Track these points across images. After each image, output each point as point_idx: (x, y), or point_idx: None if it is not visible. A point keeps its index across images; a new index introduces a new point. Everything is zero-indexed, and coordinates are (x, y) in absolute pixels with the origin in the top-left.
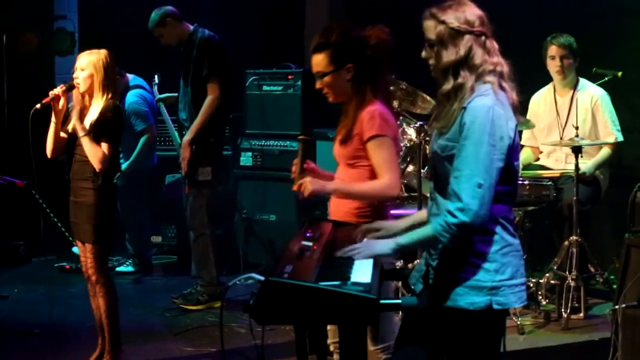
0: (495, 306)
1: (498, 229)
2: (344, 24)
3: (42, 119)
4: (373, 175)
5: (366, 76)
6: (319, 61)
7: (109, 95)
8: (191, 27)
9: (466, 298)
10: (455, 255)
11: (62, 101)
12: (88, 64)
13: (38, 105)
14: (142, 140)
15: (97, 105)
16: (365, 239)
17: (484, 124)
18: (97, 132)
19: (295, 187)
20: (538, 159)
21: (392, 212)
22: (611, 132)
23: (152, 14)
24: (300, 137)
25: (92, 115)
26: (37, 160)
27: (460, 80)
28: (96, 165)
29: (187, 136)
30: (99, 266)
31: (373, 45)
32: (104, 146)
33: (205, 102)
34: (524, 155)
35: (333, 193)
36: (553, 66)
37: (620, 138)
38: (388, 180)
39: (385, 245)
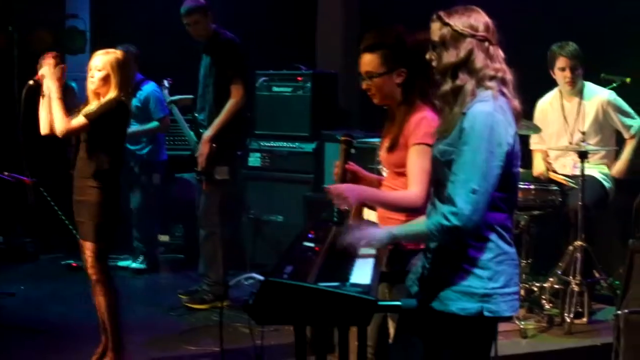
0: (486, 313)
1: (494, 236)
2: (399, 28)
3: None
4: None
5: (416, 83)
6: (370, 61)
7: (122, 95)
8: (213, 27)
9: (457, 303)
10: (449, 259)
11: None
12: (105, 64)
13: (31, 82)
14: (154, 124)
15: None
16: (361, 229)
17: (482, 130)
18: (94, 121)
19: (332, 191)
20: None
21: None
22: (628, 124)
23: (185, 4)
24: (342, 137)
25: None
26: (42, 157)
27: (458, 82)
28: (57, 128)
29: (208, 132)
30: (99, 265)
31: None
32: (81, 120)
33: (229, 102)
34: (537, 161)
35: (367, 202)
36: (562, 77)
37: (638, 123)
38: (417, 192)
39: (379, 233)
